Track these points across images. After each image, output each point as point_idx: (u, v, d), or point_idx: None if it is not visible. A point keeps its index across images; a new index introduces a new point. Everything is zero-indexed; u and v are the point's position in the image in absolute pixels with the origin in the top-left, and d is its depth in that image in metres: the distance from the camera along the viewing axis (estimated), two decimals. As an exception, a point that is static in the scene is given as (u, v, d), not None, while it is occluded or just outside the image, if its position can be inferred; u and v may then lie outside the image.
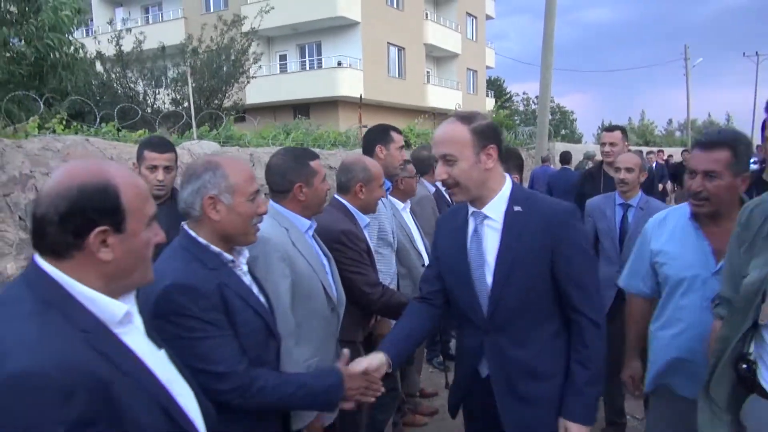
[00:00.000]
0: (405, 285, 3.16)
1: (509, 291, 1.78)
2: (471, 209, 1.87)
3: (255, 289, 1.68)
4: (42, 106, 6.98)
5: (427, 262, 3.36)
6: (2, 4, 9.04)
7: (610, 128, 4.30)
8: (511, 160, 2.75)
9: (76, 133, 5.80)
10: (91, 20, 23.97)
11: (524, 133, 15.90)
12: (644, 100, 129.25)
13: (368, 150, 3.10)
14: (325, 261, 2.13)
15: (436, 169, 1.82)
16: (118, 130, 6.25)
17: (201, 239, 1.58)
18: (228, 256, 1.61)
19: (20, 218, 4.68)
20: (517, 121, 31.65)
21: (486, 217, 1.83)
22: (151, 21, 26.49)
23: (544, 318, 1.83)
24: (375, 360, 1.83)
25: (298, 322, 1.88)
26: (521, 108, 41.30)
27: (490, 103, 32.07)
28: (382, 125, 3.24)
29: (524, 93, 43.31)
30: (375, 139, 3.12)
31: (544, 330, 1.82)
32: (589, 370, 1.77)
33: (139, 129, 7.03)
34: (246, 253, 1.69)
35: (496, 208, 1.82)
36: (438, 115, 25.61)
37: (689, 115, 30.88)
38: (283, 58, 24.94)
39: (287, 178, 2.02)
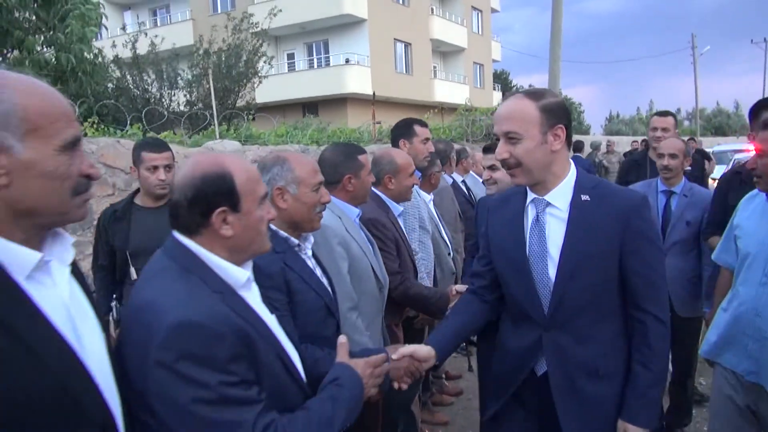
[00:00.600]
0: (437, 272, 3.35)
1: (574, 287, 1.68)
2: (531, 196, 1.75)
3: (318, 272, 1.88)
4: None
5: (452, 250, 3.55)
6: (28, 14, 9.31)
7: (662, 113, 4.08)
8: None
9: (104, 136, 6.03)
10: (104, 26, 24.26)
11: (533, 125, 15.99)
12: (652, 90, 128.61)
13: (394, 144, 3.29)
14: (370, 246, 2.33)
15: (497, 148, 1.71)
16: (145, 132, 6.48)
17: (271, 225, 1.78)
18: (294, 240, 1.81)
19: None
20: (525, 114, 31.62)
21: (549, 204, 1.71)
22: (159, 23, 26.76)
23: (608, 315, 1.73)
24: (423, 350, 1.84)
25: (349, 303, 2.08)
26: (528, 101, 41.14)
27: (497, 97, 32.11)
28: (406, 119, 3.37)
29: (530, 86, 43.27)
30: (399, 134, 3.31)
31: (607, 328, 1.73)
32: (652, 372, 1.68)
33: (162, 130, 7.26)
34: (311, 238, 1.89)
35: (561, 196, 1.70)
36: (446, 110, 25.74)
37: (698, 104, 30.78)
38: (291, 56, 25.15)
39: (338, 170, 2.22)
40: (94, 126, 5.87)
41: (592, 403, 1.73)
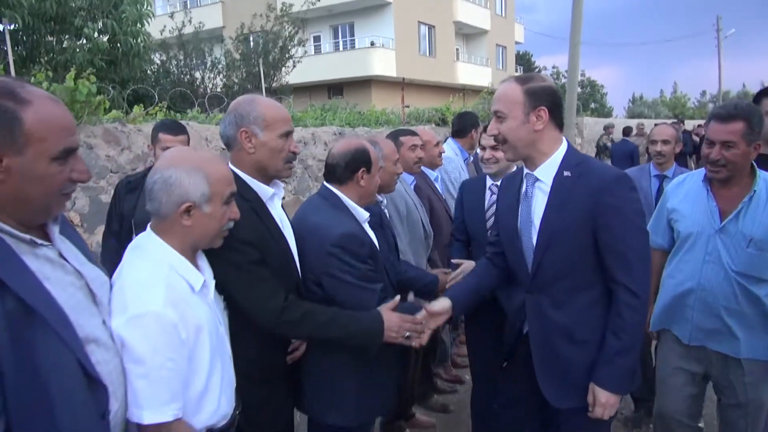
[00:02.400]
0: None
1: (551, 255, 1.82)
2: (525, 171, 1.93)
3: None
4: (112, 91, 8.04)
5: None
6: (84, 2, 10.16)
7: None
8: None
9: (169, 118, 6.86)
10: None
11: (554, 108, 16.48)
12: (676, 72, 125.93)
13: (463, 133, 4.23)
14: (420, 204, 3.13)
15: (490, 124, 1.93)
16: (207, 114, 7.30)
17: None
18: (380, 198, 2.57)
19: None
20: (546, 96, 31.76)
21: (537, 179, 1.87)
22: (189, 5, 27.49)
23: (584, 284, 1.84)
24: (439, 304, 2.03)
25: (408, 241, 2.88)
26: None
27: (519, 79, 32.30)
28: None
29: (554, 67, 43.21)
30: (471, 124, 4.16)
31: (583, 296, 1.84)
32: (621, 340, 1.76)
33: (202, 112, 8.06)
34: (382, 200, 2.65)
35: (547, 172, 1.85)
36: (468, 92, 26.14)
37: (721, 87, 30.67)
38: (317, 39, 25.69)
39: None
40: (164, 111, 6.70)
41: (568, 365, 1.87)
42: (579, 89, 40.74)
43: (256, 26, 13.85)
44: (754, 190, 2.10)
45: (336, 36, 25.48)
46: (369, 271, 1.92)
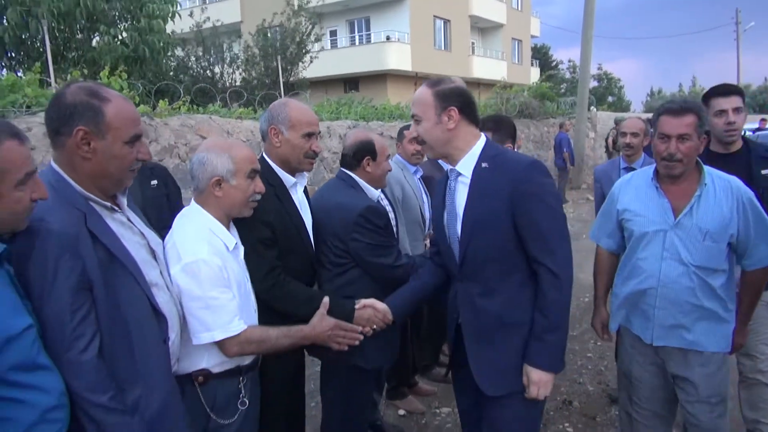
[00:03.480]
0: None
1: (476, 243, 1.90)
2: (449, 167, 2.02)
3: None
4: (141, 87, 8.46)
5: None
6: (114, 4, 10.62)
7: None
8: (504, 129, 2.95)
9: (193, 113, 7.26)
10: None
11: (566, 103, 16.65)
12: (695, 65, 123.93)
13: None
14: (422, 194, 3.46)
15: (411, 128, 2.13)
16: (228, 108, 7.69)
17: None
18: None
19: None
20: (563, 90, 31.76)
21: (459, 174, 1.97)
22: (207, 1, 27.93)
23: (510, 268, 1.90)
24: (380, 305, 2.19)
25: (404, 223, 3.21)
26: (567, 76, 41.03)
27: (535, 73, 32.26)
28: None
29: (569, 60, 42.90)
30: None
31: (511, 280, 1.91)
32: (547, 318, 1.83)
33: (223, 106, 8.44)
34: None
35: (466, 165, 1.94)
36: (483, 86, 26.25)
37: (739, 81, 30.34)
38: (333, 33, 25.97)
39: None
40: (187, 105, 7.10)
41: (501, 350, 1.92)
42: (595, 83, 40.09)
43: (275, 22, 14.18)
44: (705, 183, 2.14)
45: (352, 30, 25.74)
46: (386, 236, 2.30)
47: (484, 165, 1.90)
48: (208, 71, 13.68)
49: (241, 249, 1.92)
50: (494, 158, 1.91)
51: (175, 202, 3.09)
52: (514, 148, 2.87)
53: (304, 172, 2.29)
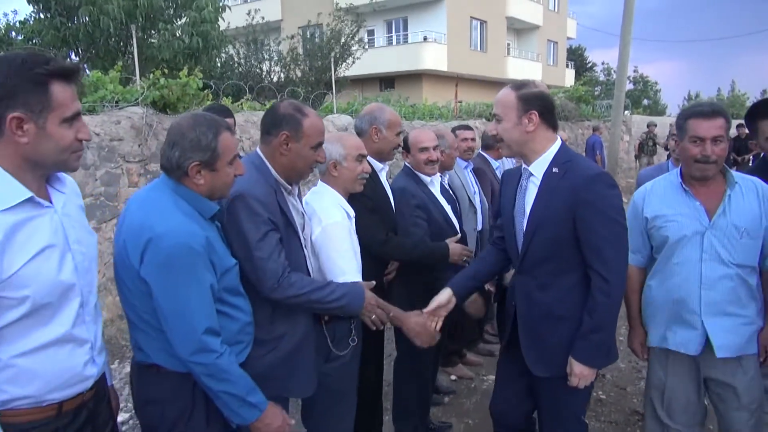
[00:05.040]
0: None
1: (537, 240, 2.04)
2: (523, 166, 2.15)
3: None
4: (213, 86, 9.02)
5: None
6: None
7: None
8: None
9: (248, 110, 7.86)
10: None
11: (602, 106, 16.85)
12: (735, 69, 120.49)
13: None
14: (475, 182, 3.95)
15: (490, 126, 2.25)
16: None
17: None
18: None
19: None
20: (598, 92, 31.63)
21: (531, 174, 2.09)
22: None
23: (565, 268, 2.04)
24: (443, 296, 2.31)
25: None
26: (602, 78, 40.73)
27: (570, 75, 32.22)
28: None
29: (604, 63, 42.64)
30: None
31: (564, 279, 2.05)
32: (592, 319, 1.96)
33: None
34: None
35: (539, 168, 2.06)
36: (517, 87, 26.39)
37: (781, 87, 29.73)
38: (371, 33, 26.40)
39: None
40: (248, 102, 7.71)
41: (549, 340, 2.09)
42: (631, 86, 39.55)
43: (320, 21, 14.74)
44: (736, 182, 2.18)
45: (389, 30, 26.17)
46: (421, 216, 2.86)
47: (555, 170, 2.02)
48: (257, 69, 14.30)
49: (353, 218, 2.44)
50: (564, 164, 2.02)
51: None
52: None
53: (387, 163, 2.89)
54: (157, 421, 1.74)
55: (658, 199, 2.31)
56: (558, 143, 2.09)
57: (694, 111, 2.21)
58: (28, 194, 1.36)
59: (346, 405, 2.39)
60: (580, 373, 2.01)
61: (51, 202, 1.45)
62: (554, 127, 2.10)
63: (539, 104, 2.04)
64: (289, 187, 2.08)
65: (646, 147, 13.80)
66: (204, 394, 1.72)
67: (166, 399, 1.72)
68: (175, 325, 1.61)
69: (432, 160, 2.96)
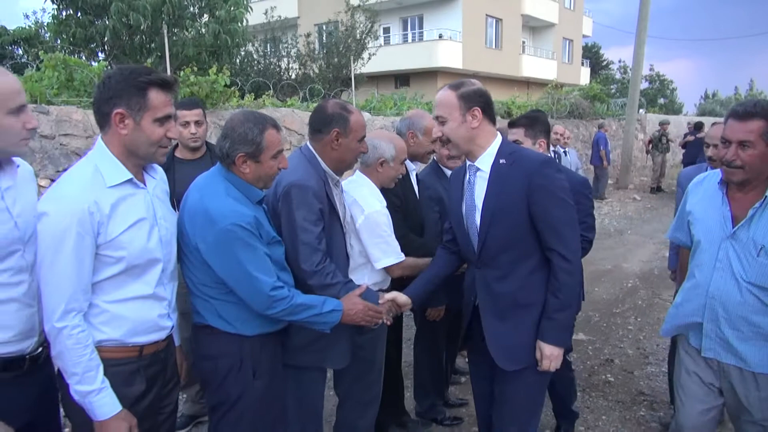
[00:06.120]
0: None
1: (493, 232, 2.06)
2: (468, 163, 2.17)
3: None
4: (239, 83, 9.30)
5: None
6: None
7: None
8: (537, 126, 2.95)
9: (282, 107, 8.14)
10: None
11: (617, 104, 16.93)
12: (753, 68, 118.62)
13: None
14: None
15: (434, 128, 2.15)
16: (308, 102, 8.55)
17: None
18: None
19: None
20: (613, 90, 31.56)
21: (478, 169, 2.11)
22: (267, -4, 29.07)
23: (524, 255, 2.07)
24: (402, 298, 2.36)
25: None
26: (618, 76, 40.54)
27: (585, 73, 32.14)
28: None
29: (620, 61, 42.35)
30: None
31: (524, 266, 2.08)
32: (558, 298, 2.02)
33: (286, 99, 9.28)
34: None
35: (485, 162, 2.09)
36: (532, 85, 26.48)
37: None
38: (386, 30, 26.58)
39: None
40: (270, 99, 7.99)
41: (515, 328, 2.11)
42: (647, 84, 39.20)
43: (336, 19, 15.00)
44: (766, 195, 1.97)
45: (405, 28, 26.30)
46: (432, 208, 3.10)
47: (501, 161, 2.07)
48: (276, 66, 14.61)
49: None
50: (510, 155, 2.07)
51: None
52: (548, 144, 2.97)
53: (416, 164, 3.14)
54: (211, 373, 2.01)
55: (699, 196, 2.26)
56: (499, 137, 2.14)
57: (732, 110, 2.06)
58: (129, 176, 1.67)
59: (375, 374, 2.65)
60: (550, 354, 2.04)
61: (145, 185, 1.75)
62: (494, 122, 2.15)
63: (480, 100, 2.08)
64: (337, 178, 2.33)
65: (659, 145, 13.89)
66: (251, 351, 1.99)
67: (219, 355, 1.99)
68: (245, 291, 1.89)
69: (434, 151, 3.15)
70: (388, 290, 2.54)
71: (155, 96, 1.64)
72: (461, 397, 3.67)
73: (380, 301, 2.29)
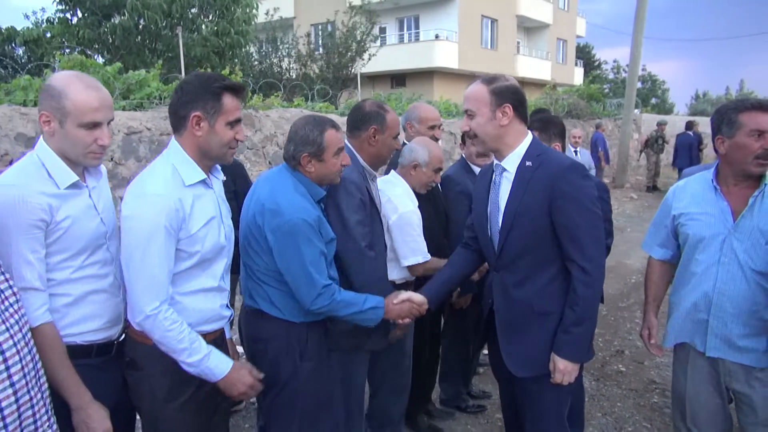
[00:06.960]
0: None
1: (514, 235, 2.00)
2: (495, 162, 2.11)
3: None
4: (251, 84, 9.39)
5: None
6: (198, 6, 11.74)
7: None
8: (552, 128, 2.89)
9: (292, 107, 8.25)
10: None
11: (612, 104, 17.15)
12: (744, 69, 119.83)
13: None
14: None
15: (463, 122, 2.07)
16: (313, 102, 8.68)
17: None
18: None
19: (269, 163, 7.17)
20: (606, 90, 31.85)
21: (504, 169, 2.05)
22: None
23: (544, 261, 2.00)
24: (418, 297, 2.28)
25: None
26: (611, 76, 40.90)
27: (578, 73, 32.42)
28: None
29: (614, 61, 42.76)
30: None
31: (543, 273, 2.01)
32: (575, 312, 1.93)
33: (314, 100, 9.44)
34: None
35: (511, 162, 2.02)
36: (527, 85, 26.69)
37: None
38: (382, 30, 26.63)
39: None
40: (279, 99, 8.11)
41: (530, 336, 2.04)
42: (639, 84, 39.82)
43: (335, 19, 15.11)
44: (765, 183, 2.03)
45: (401, 28, 26.44)
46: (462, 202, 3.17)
47: (528, 163, 1.99)
48: (276, 67, 14.69)
49: None
50: (538, 157, 1.99)
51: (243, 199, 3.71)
52: (563, 148, 2.89)
53: None
54: (260, 356, 2.13)
55: (687, 198, 2.24)
56: (529, 137, 2.07)
57: (746, 104, 2.06)
58: (204, 176, 1.80)
59: (407, 362, 2.79)
60: (564, 368, 1.97)
61: (212, 186, 1.88)
62: (526, 121, 2.08)
63: (513, 97, 2.00)
64: (374, 173, 2.47)
65: (655, 145, 14.11)
66: (297, 336, 2.12)
67: (269, 338, 2.12)
68: (297, 283, 2.01)
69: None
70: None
71: (228, 101, 1.75)
72: (484, 389, 3.79)
73: (395, 301, 2.25)
